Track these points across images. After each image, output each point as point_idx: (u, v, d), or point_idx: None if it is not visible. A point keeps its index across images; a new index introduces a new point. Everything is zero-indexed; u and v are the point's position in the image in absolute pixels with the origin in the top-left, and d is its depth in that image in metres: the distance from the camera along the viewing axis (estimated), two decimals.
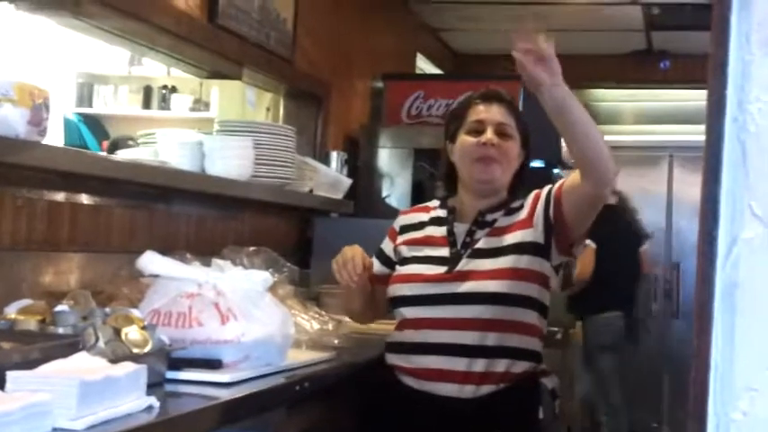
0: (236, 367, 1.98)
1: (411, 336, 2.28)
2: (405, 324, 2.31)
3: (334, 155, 4.12)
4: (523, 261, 2.23)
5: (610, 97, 6.96)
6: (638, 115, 6.97)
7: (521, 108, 4.54)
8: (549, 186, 2.32)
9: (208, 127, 3.64)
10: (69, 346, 1.66)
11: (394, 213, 4.43)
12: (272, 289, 2.43)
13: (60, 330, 1.78)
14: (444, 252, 2.30)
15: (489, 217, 2.33)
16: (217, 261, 2.17)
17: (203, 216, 3.13)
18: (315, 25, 4.11)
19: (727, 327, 1.11)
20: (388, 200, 4.45)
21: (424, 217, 2.41)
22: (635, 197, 6.29)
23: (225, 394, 1.84)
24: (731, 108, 1.15)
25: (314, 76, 4.15)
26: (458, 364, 2.20)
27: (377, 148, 4.48)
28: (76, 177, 2.42)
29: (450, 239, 2.32)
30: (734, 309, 1.11)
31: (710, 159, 1.15)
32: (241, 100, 4.85)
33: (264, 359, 2.06)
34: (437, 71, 6.08)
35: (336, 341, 2.68)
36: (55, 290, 2.33)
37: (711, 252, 1.13)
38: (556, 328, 4.39)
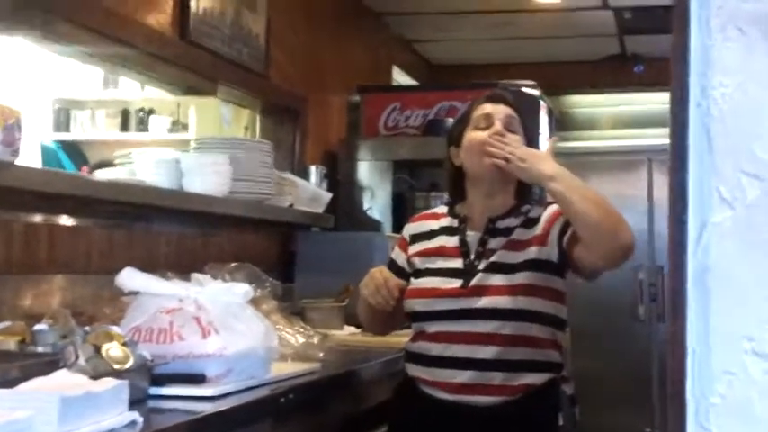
0: (219, 381, 1.97)
1: (428, 348, 2.25)
2: (423, 336, 2.28)
3: (312, 169, 4.13)
4: (539, 278, 2.21)
5: (585, 103, 7.00)
6: (614, 120, 7.00)
7: None
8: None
9: (187, 148, 3.64)
10: (49, 363, 1.65)
11: (376, 226, 4.47)
12: (256, 304, 2.43)
13: (40, 349, 1.77)
14: (458, 263, 2.27)
15: (500, 224, 2.29)
16: (197, 276, 2.17)
17: (183, 234, 3.13)
18: (288, 40, 4.13)
19: (701, 311, 1.12)
20: (369, 212, 4.46)
21: (434, 225, 2.39)
22: (615, 202, 6.32)
23: (209, 408, 1.84)
24: (694, 94, 1.16)
25: (289, 91, 4.15)
26: (476, 377, 2.18)
27: (356, 161, 4.49)
28: (53, 198, 2.41)
29: (462, 250, 2.29)
30: (707, 293, 1.12)
31: (676, 146, 1.16)
32: (219, 119, 4.86)
33: (248, 372, 2.05)
34: (413, 83, 6.10)
35: (321, 354, 2.68)
36: (36, 312, 2.32)
37: (682, 238, 1.14)
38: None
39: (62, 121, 5.74)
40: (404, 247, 2.42)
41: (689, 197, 1.14)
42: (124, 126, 5.77)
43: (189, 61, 3.27)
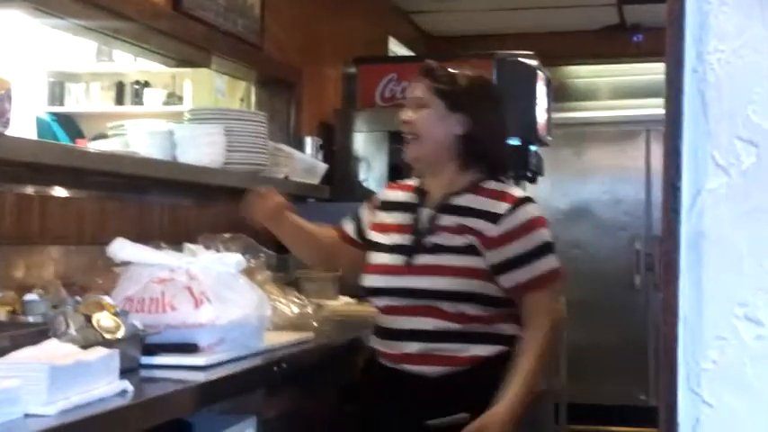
0: (212, 350, 1.96)
1: (380, 320, 2.30)
2: (379, 310, 2.32)
3: (308, 140, 4.10)
4: (480, 261, 2.18)
5: (584, 73, 6.96)
6: (613, 91, 6.97)
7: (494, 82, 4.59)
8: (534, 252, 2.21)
9: (181, 120, 3.61)
10: (39, 333, 1.64)
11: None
12: (251, 275, 2.42)
13: (30, 319, 1.76)
14: (407, 240, 2.27)
15: (456, 200, 2.25)
16: (189, 246, 2.15)
17: (176, 205, 3.11)
18: (283, 11, 4.09)
19: (694, 277, 1.11)
20: (365, 183, 4.44)
21: (401, 197, 2.38)
22: (613, 172, 6.31)
23: (201, 377, 1.83)
24: (690, 59, 1.14)
25: (284, 62, 4.12)
26: (423, 348, 2.20)
27: (352, 133, 4.46)
28: (45, 169, 2.39)
29: (414, 227, 2.27)
30: (700, 259, 1.11)
31: (671, 111, 1.15)
32: (214, 91, 4.82)
33: (241, 341, 2.04)
34: (410, 54, 6.05)
35: (315, 324, 2.67)
36: (28, 284, 2.30)
37: (676, 203, 1.13)
38: None
39: (57, 94, 5.71)
40: (371, 209, 2.43)
41: (683, 163, 1.13)
42: (119, 99, 5.74)
43: (182, 33, 3.24)
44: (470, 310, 2.18)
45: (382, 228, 2.35)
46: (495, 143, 2.34)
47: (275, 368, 2.06)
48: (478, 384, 2.16)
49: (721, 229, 1.11)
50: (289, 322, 2.58)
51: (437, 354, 2.19)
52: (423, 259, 2.22)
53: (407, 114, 2.27)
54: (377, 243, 2.34)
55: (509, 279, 2.18)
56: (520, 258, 2.18)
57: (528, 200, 2.25)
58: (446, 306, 2.18)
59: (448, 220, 2.24)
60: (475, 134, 2.26)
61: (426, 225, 2.25)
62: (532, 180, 5.12)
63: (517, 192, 2.28)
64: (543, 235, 2.23)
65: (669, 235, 1.12)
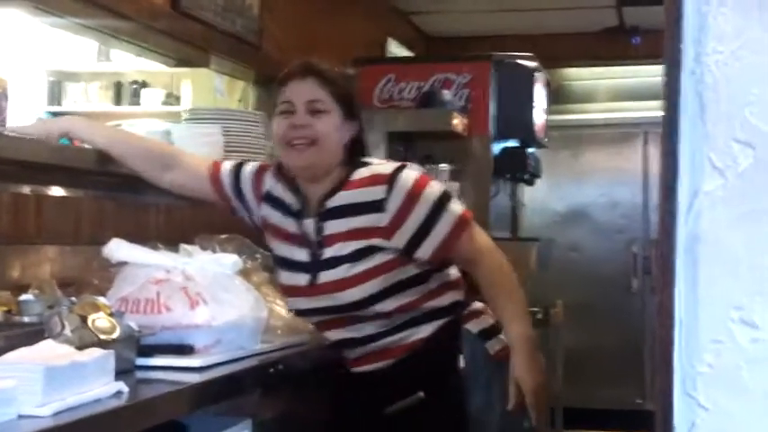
0: (207, 352, 1.96)
1: (322, 335, 2.26)
2: (316, 326, 2.28)
3: None
4: (383, 258, 2.09)
5: (583, 75, 6.97)
6: (611, 93, 6.97)
7: (492, 86, 4.59)
8: (444, 223, 2.09)
9: (179, 120, 3.61)
10: (34, 334, 1.63)
11: None
12: (247, 276, 2.41)
13: (26, 319, 1.75)
14: (303, 255, 2.16)
15: (332, 202, 2.12)
16: (185, 246, 2.15)
17: (173, 205, 3.10)
18: (282, 10, 4.09)
19: (690, 280, 1.11)
20: None
21: (283, 195, 2.21)
22: (610, 175, 6.31)
23: (196, 378, 1.83)
24: (688, 61, 1.14)
25: (283, 62, 4.09)
26: (364, 350, 2.18)
27: None
28: (41, 168, 2.38)
29: (303, 239, 2.16)
30: (696, 262, 1.11)
31: (669, 113, 1.15)
32: (213, 91, 4.82)
33: (237, 343, 2.04)
34: (409, 55, 6.06)
35: (311, 325, 2.66)
36: (24, 283, 2.29)
37: (672, 206, 1.12)
38: (536, 308, 4.40)
39: (56, 94, 5.71)
40: (258, 193, 2.24)
41: (680, 165, 1.13)
42: (117, 98, 5.75)
43: (181, 32, 3.24)
44: (393, 303, 2.11)
45: (275, 231, 2.23)
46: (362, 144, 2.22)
47: (271, 370, 2.06)
48: (426, 362, 2.14)
49: (718, 232, 1.11)
50: (285, 324, 2.57)
51: (378, 350, 2.16)
52: (325, 276, 2.12)
53: (302, 120, 2.09)
54: (278, 257, 2.24)
55: (423, 251, 2.08)
56: (422, 228, 2.06)
57: (399, 169, 2.11)
58: (367, 311, 2.12)
59: (334, 226, 2.11)
60: (359, 138, 2.18)
61: (314, 237, 2.14)
62: (530, 182, 5.12)
63: (385, 167, 2.13)
64: (432, 192, 2.08)
65: (665, 237, 1.11)
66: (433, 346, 2.16)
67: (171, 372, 1.85)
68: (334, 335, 2.20)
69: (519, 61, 4.75)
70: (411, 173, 2.11)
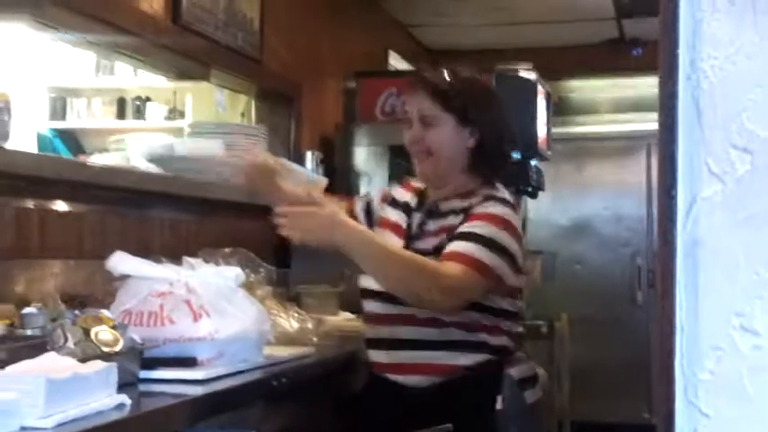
0: (210, 364, 1.96)
1: (366, 330, 2.31)
2: (365, 318, 2.33)
3: (308, 155, 4.11)
4: None
5: (585, 88, 6.97)
6: (613, 105, 6.97)
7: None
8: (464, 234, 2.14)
9: (182, 135, 3.62)
10: (37, 346, 1.63)
11: None
12: (251, 290, 2.42)
13: (28, 332, 1.75)
14: (395, 242, 2.26)
15: (444, 206, 2.25)
16: (188, 259, 2.15)
17: (177, 220, 3.11)
18: (283, 24, 4.10)
19: (690, 286, 1.11)
20: None
21: (406, 197, 2.38)
22: (614, 188, 6.30)
23: (200, 391, 1.82)
24: (683, 67, 1.14)
25: (284, 76, 4.13)
26: (403, 357, 2.19)
27: (352, 147, 4.47)
28: (45, 182, 2.39)
29: (403, 230, 2.29)
30: (696, 268, 1.11)
31: (665, 119, 1.15)
32: (215, 106, 4.84)
33: (240, 355, 2.04)
34: (410, 68, 6.06)
35: (315, 339, 2.67)
36: (28, 298, 2.30)
37: (671, 212, 1.12)
38: (541, 321, 4.39)
39: (58, 110, 5.73)
40: (383, 199, 2.43)
41: (678, 171, 1.13)
42: (120, 114, 5.76)
43: (182, 46, 3.25)
44: (445, 315, 2.15)
45: (385, 224, 2.36)
46: (504, 149, 2.33)
47: (274, 382, 2.06)
48: (461, 394, 2.13)
49: (716, 238, 1.11)
50: (288, 337, 2.57)
51: (417, 362, 2.17)
52: None
53: (416, 133, 2.22)
54: None
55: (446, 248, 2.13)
56: (461, 234, 2.12)
57: (502, 200, 2.19)
58: (420, 312, 2.14)
59: (433, 225, 2.24)
60: (485, 143, 2.24)
61: (416, 230, 2.27)
62: (533, 195, 5.11)
63: (498, 193, 2.23)
64: (494, 231, 2.12)
65: (665, 243, 1.11)
66: (474, 378, 2.16)
67: (174, 384, 1.85)
68: (382, 331, 2.21)
69: (520, 74, 4.75)
70: (503, 209, 2.17)
